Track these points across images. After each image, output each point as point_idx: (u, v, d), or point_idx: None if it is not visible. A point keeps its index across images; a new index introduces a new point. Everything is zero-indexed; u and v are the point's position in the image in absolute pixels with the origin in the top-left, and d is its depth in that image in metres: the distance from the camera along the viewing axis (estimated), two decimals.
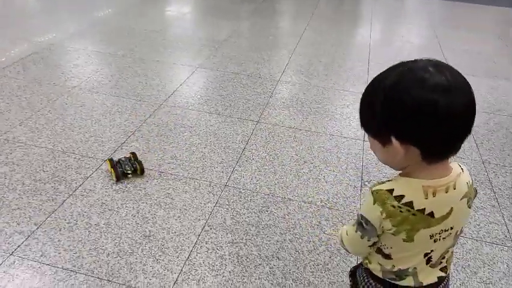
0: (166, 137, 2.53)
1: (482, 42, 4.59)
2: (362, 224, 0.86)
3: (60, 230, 1.82)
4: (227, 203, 2.03)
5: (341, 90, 3.26)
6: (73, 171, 2.18)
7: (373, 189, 0.84)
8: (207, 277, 1.65)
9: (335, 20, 5.15)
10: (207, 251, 1.76)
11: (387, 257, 0.90)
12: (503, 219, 2.03)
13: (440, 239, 0.86)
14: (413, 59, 0.78)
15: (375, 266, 0.94)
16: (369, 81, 0.85)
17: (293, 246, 1.81)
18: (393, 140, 0.77)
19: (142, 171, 2.14)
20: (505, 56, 4.28)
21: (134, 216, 1.92)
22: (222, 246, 1.79)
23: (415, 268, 0.90)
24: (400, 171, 0.87)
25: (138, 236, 1.81)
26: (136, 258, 1.71)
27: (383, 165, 0.86)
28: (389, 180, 0.85)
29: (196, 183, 2.15)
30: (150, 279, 1.62)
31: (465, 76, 0.76)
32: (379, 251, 0.91)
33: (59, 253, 1.71)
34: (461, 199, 0.84)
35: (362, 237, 0.88)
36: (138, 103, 2.89)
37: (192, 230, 1.86)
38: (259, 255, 1.76)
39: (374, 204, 0.82)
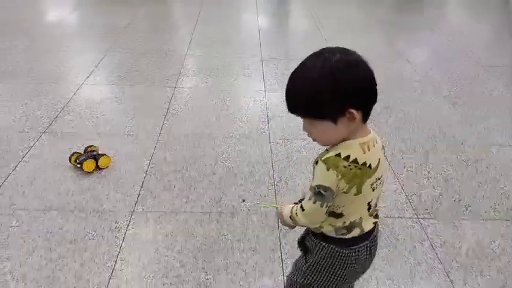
0: (95, 108, 2.83)
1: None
2: (321, 193, 0.94)
3: (22, 186, 2.07)
4: (164, 146, 2.46)
5: (240, 57, 3.83)
6: (15, 143, 2.39)
7: (322, 159, 0.92)
8: (160, 194, 2.07)
9: (224, 3, 5.71)
10: (156, 180, 2.18)
11: (339, 215, 1.00)
12: None
13: (376, 187, 0.99)
14: (323, 49, 0.93)
15: (328, 228, 1.03)
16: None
17: (224, 165, 2.31)
18: (353, 111, 0.88)
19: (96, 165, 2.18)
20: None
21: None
22: (168, 174, 2.22)
23: (361, 218, 1.02)
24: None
25: (94, 179, 2.15)
26: (98, 193, 2.06)
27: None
28: (327, 151, 0.95)
29: (133, 137, 2.53)
30: (115, 204, 1.99)
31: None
32: (331, 213, 0.99)
33: (28, 201, 1.98)
34: (381, 150, 1.00)
35: (321, 206, 0.96)
36: (59, 85, 3.11)
37: (140, 168, 2.25)
38: (199, 174, 2.23)
39: (328, 170, 0.91)
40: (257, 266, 1.70)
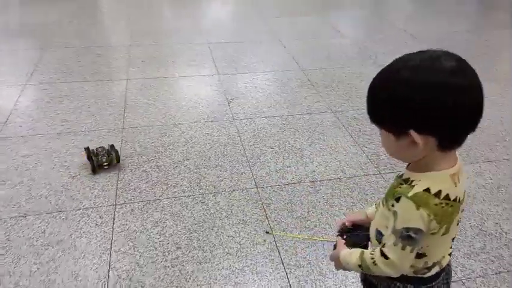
0: (48, 108, 2.70)
1: None
2: (411, 236, 0.79)
3: None
4: (131, 139, 2.43)
5: (187, 43, 3.82)
6: None
7: (409, 195, 0.78)
8: (139, 185, 2.07)
9: None
10: (131, 172, 2.17)
11: (421, 256, 0.87)
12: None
13: (460, 220, 0.87)
14: (418, 51, 0.77)
15: None
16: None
17: (196, 149, 2.36)
18: (413, 132, 0.74)
19: (118, 160, 2.18)
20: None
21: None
22: (141, 165, 2.22)
23: (443, 256, 0.91)
24: (408, 164, 0.85)
25: (65, 179, 2.09)
26: (73, 192, 2.01)
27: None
28: (410, 181, 0.81)
29: (96, 133, 2.47)
30: (94, 200, 1.96)
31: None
32: None
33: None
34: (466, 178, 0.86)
35: (411, 251, 0.82)
36: (1, 87, 2.91)
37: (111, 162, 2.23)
38: (173, 161, 2.26)
39: (418, 209, 0.77)
40: (249, 236, 1.80)
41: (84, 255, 1.68)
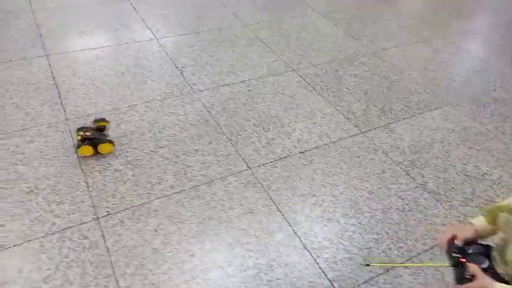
0: None
1: None
2: None
3: None
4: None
5: (103, 2, 3.25)
6: None
7: None
8: (117, 188, 1.77)
9: None
10: (99, 173, 1.83)
11: None
12: None
13: None
14: None
15: None
16: None
17: (165, 134, 2.07)
18: None
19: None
20: None
21: None
22: (109, 163, 1.88)
23: None
24: None
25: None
26: (34, 215, 1.64)
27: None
28: None
29: (37, 131, 2.01)
30: (67, 215, 1.63)
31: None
32: None
33: None
34: None
35: None
36: None
37: (72, 165, 1.85)
38: (145, 152, 1.96)
39: None
40: (263, 226, 1.67)
41: None
